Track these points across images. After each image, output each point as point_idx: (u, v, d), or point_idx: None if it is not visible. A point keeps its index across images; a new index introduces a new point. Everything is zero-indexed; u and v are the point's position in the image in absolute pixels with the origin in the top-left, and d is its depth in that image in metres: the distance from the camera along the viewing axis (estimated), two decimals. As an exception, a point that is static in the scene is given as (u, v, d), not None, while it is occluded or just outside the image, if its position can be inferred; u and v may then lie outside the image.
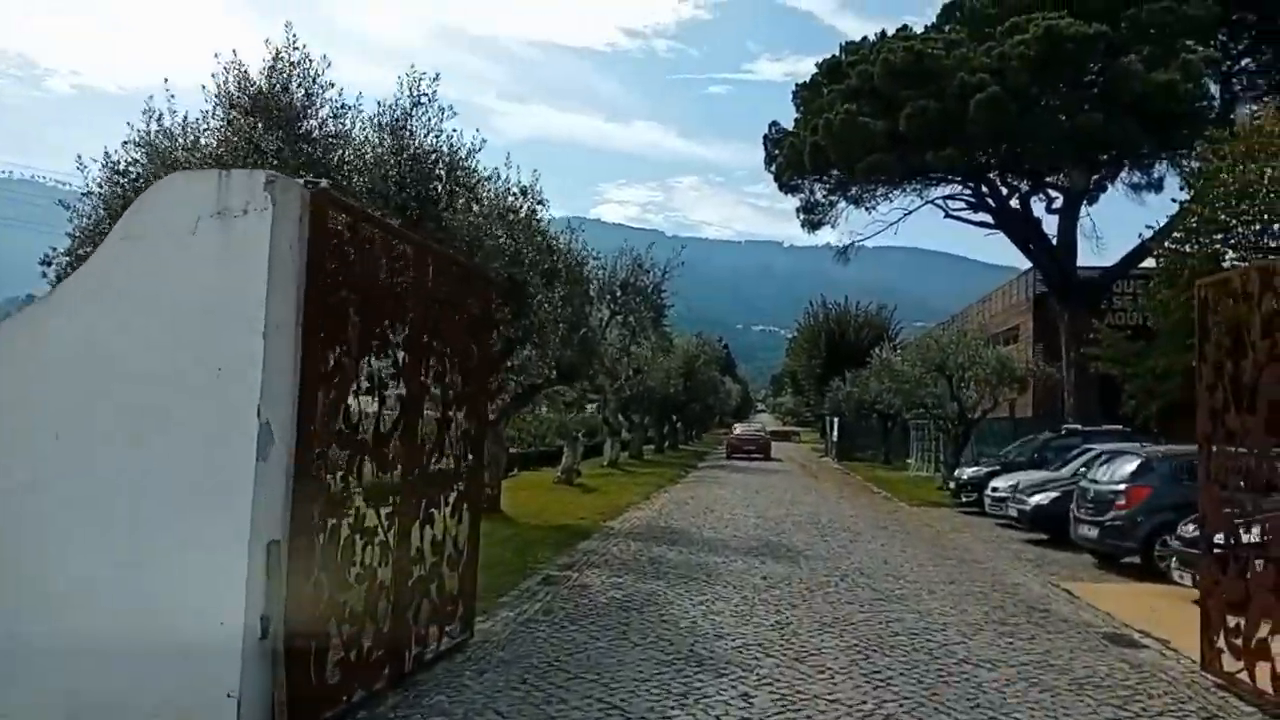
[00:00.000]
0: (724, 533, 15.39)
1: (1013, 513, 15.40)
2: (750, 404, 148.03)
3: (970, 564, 12.58)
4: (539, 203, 12.19)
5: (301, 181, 5.03)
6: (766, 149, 44.05)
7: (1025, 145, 31.35)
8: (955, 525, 17.61)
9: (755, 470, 34.22)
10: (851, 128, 34.14)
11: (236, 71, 8.65)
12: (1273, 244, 23.80)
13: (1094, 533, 12.08)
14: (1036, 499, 14.90)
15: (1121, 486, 11.87)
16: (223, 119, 8.60)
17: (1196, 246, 25.16)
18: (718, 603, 9.31)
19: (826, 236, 56.60)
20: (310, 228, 4.99)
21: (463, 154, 10.24)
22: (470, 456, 7.17)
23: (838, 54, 40.51)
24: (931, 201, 46.95)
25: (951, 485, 20.72)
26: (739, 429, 52.86)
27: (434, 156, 9.84)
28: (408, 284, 5.94)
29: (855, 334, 55.19)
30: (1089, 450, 17.62)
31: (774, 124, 44.28)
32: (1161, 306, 25.74)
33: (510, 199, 11.59)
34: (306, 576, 4.90)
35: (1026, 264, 47.29)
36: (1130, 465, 12.16)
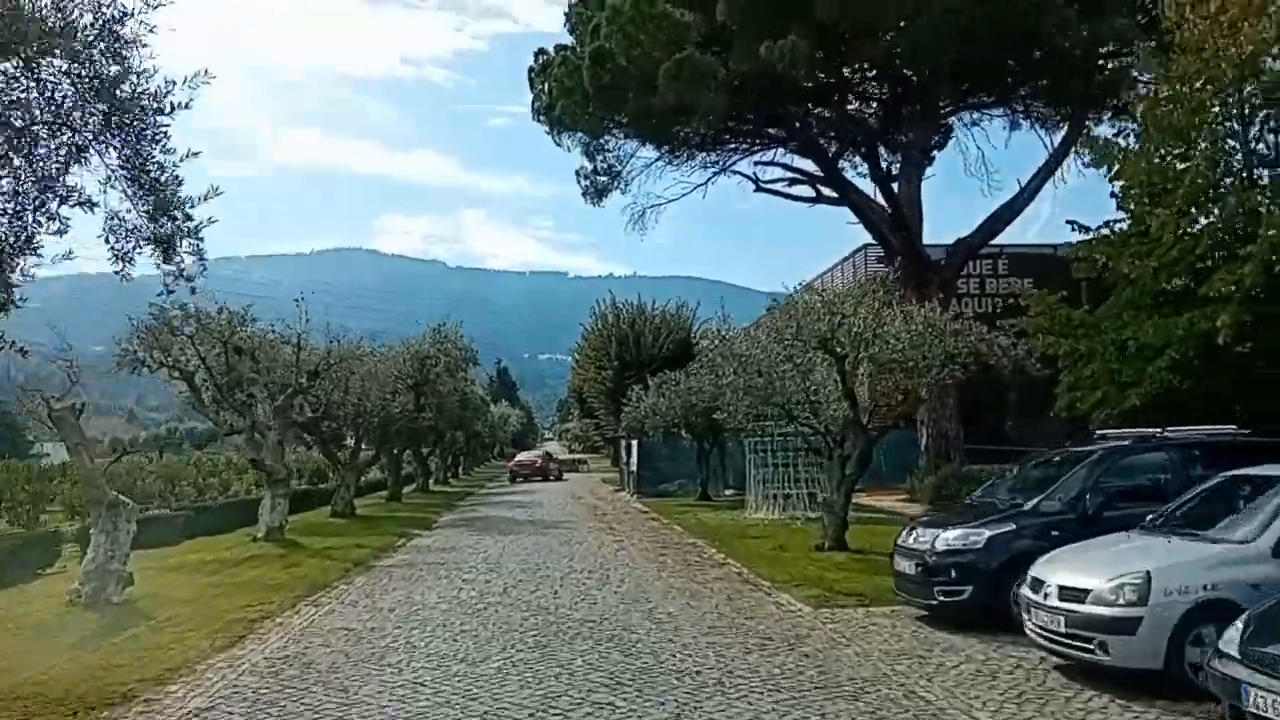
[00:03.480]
0: None
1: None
2: (535, 431, 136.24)
3: None
4: None
5: None
6: (533, 85, 32.67)
7: (906, 37, 21.72)
8: None
9: (522, 528, 22.40)
10: (650, 17, 23.55)
11: None
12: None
13: None
14: None
15: None
16: None
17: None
18: None
19: (617, 203, 46.55)
20: None
21: None
22: None
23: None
24: (730, 168, 37.76)
25: (909, 566, 9.73)
26: (521, 456, 57.44)
27: None
28: None
29: (653, 338, 44.98)
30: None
31: (540, 51, 33.07)
32: (1132, 248, 16.69)
33: None
34: None
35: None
36: None
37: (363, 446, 27.00)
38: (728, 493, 31.86)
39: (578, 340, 55.66)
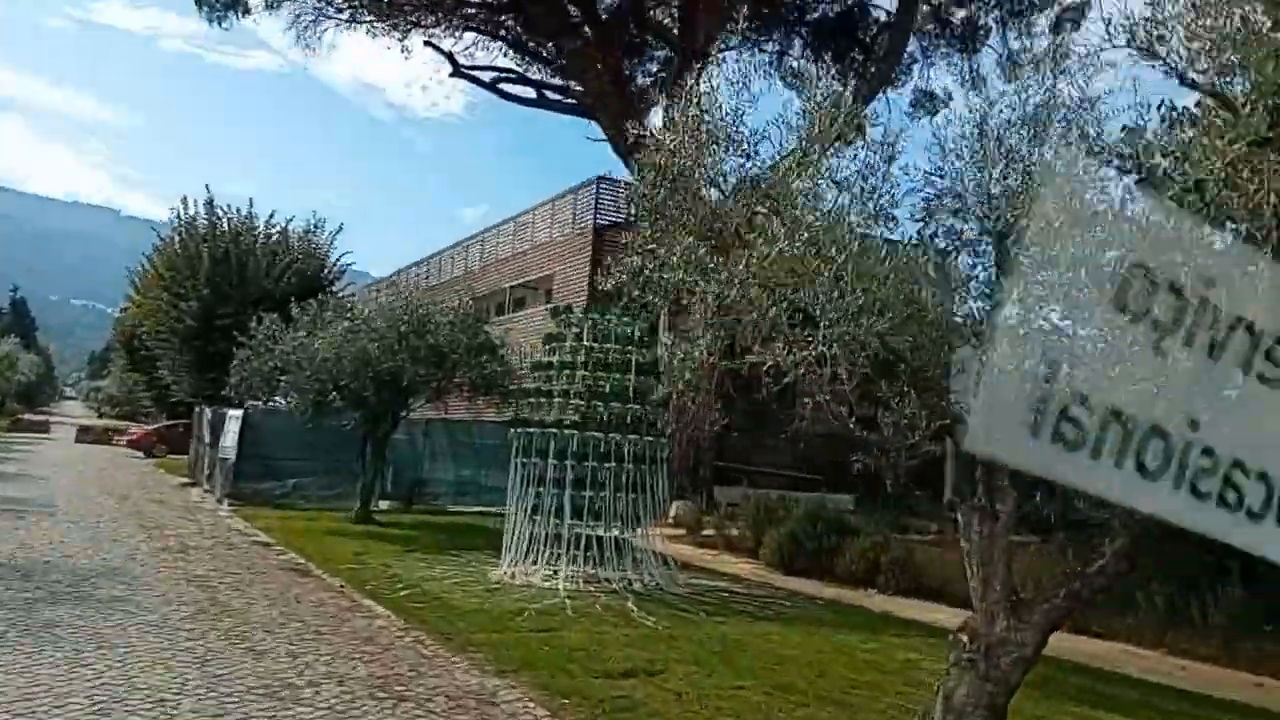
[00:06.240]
0: None
1: None
2: (54, 386, 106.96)
3: None
4: None
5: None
6: None
7: None
8: None
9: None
10: None
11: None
12: None
13: None
14: None
15: None
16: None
17: None
18: None
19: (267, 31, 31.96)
20: None
21: None
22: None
23: None
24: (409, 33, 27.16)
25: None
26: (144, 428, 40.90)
27: None
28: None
29: (268, 263, 31.38)
30: None
31: None
32: None
33: None
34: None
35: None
36: None
37: None
38: (383, 505, 20.25)
39: (140, 262, 39.41)
